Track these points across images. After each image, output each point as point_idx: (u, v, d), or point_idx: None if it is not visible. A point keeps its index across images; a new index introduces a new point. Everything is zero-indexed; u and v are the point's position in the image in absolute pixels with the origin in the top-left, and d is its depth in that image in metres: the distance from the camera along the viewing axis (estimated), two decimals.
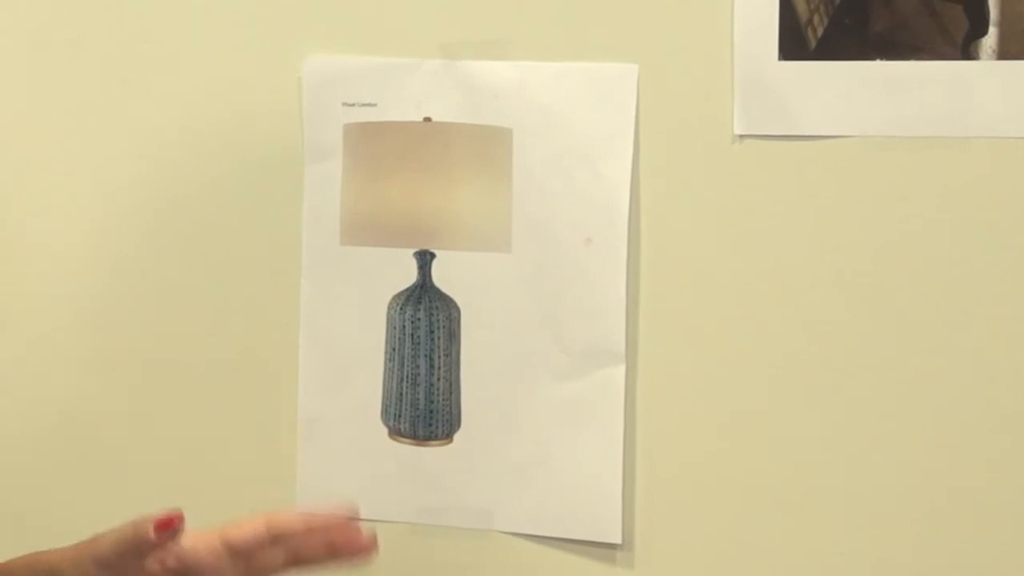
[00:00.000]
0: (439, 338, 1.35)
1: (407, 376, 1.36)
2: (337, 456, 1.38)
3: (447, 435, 1.35)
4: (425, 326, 1.35)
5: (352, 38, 1.35)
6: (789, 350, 1.28)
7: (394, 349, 1.36)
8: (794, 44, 1.25)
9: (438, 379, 1.35)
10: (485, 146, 1.32)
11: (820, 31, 1.25)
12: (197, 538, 1.13)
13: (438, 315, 1.34)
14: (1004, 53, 1.21)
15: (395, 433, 1.36)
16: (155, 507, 1.42)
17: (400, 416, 1.36)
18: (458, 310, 1.34)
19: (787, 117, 1.26)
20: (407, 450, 1.36)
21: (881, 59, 1.23)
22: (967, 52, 1.22)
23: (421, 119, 1.33)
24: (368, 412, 1.37)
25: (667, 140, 1.28)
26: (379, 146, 1.35)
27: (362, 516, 1.36)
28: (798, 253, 1.27)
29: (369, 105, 1.35)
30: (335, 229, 1.36)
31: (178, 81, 1.39)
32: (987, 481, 1.25)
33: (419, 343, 1.35)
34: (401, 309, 1.35)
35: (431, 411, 1.35)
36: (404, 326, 1.35)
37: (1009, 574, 1.25)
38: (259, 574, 1.13)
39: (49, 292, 1.44)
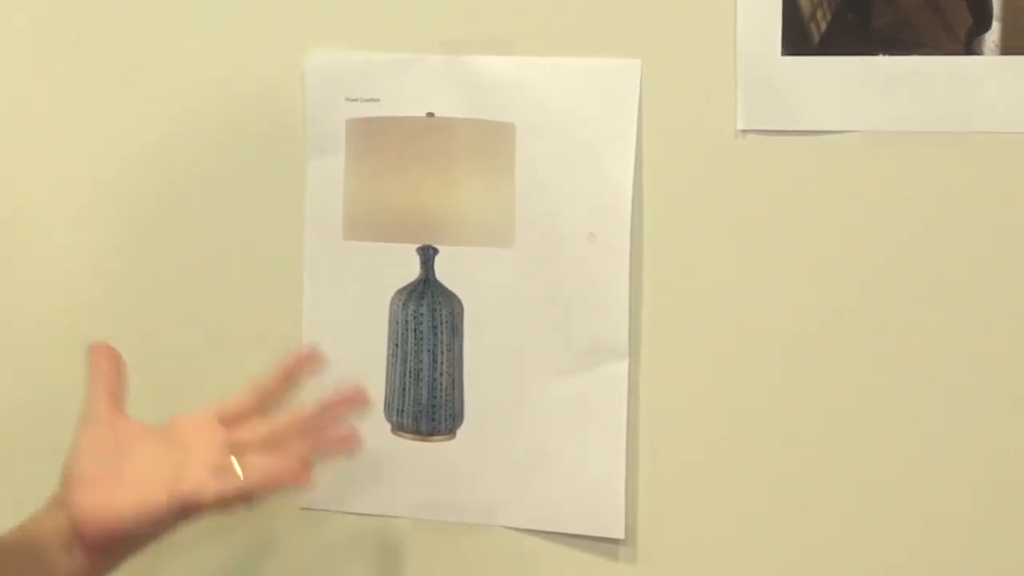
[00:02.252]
0: (442, 333, 1.35)
1: (410, 371, 1.36)
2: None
3: (450, 430, 1.35)
4: (428, 321, 1.35)
5: (355, 33, 1.35)
6: (792, 345, 1.28)
7: (397, 344, 1.36)
8: (797, 40, 1.25)
9: (441, 374, 1.35)
10: (488, 141, 1.32)
11: (823, 27, 1.25)
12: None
13: (441, 310, 1.34)
14: (1007, 48, 1.21)
15: (398, 428, 1.36)
16: None
17: (403, 411, 1.36)
18: (461, 305, 1.34)
19: (790, 112, 1.26)
20: (410, 445, 1.36)
21: (884, 55, 1.23)
22: (970, 48, 1.22)
23: (424, 114, 1.33)
24: (371, 407, 1.37)
25: (670, 135, 1.28)
26: (382, 141, 1.35)
27: (365, 512, 1.38)
28: (801, 248, 1.27)
29: (372, 100, 1.35)
30: (338, 224, 1.36)
31: (180, 76, 1.39)
32: (991, 481, 1.25)
33: (422, 338, 1.35)
34: (404, 304, 1.35)
35: (434, 406, 1.35)
36: (407, 321, 1.35)
37: (1010, 574, 1.26)
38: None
39: (49, 291, 1.44)
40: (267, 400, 1.17)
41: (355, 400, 1.17)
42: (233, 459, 1.12)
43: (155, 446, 1.14)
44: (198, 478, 1.10)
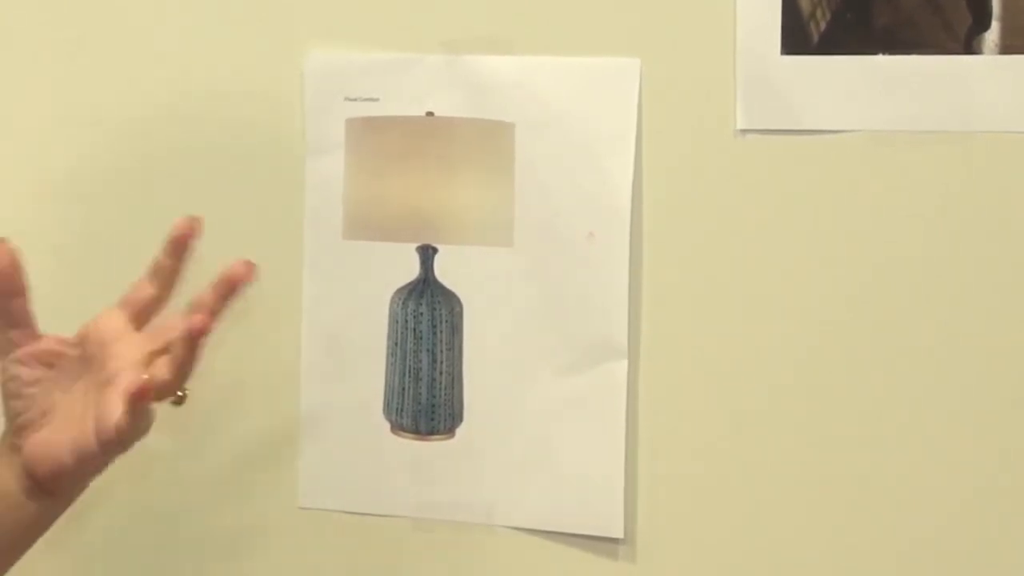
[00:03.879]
0: (441, 332, 1.35)
1: (409, 370, 1.36)
2: (339, 451, 1.38)
3: (449, 430, 1.35)
4: (427, 320, 1.35)
5: (354, 33, 1.35)
6: (791, 345, 1.28)
7: (396, 344, 1.36)
8: (797, 39, 1.25)
9: (440, 374, 1.35)
10: (487, 141, 1.32)
11: (823, 26, 1.25)
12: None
13: (440, 309, 1.34)
14: (1007, 48, 1.21)
15: (397, 428, 1.36)
16: (155, 504, 1.43)
17: (402, 411, 1.36)
18: (460, 304, 1.34)
19: (789, 112, 1.26)
20: (409, 445, 1.36)
21: (883, 54, 1.23)
22: (970, 47, 1.22)
23: (423, 114, 1.33)
24: (370, 407, 1.37)
25: (669, 135, 1.28)
26: (381, 141, 1.35)
27: (364, 511, 1.38)
28: (800, 247, 1.27)
29: (371, 100, 1.35)
30: (337, 224, 1.36)
31: (180, 76, 1.39)
32: (991, 481, 1.25)
33: (421, 337, 1.35)
34: (403, 303, 1.35)
35: (433, 406, 1.35)
36: (406, 320, 1.35)
37: (1010, 574, 1.26)
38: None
39: (49, 290, 1.44)
40: (168, 281, 1.15)
41: (245, 276, 1.15)
42: (148, 375, 1.09)
43: (77, 371, 1.11)
44: (114, 411, 1.07)
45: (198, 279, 1.41)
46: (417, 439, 1.36)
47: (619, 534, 1.32)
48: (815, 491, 1.28)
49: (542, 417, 1.33)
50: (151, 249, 1.41)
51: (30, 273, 1.43)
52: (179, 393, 1.12)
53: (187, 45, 1.39)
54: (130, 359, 1.09)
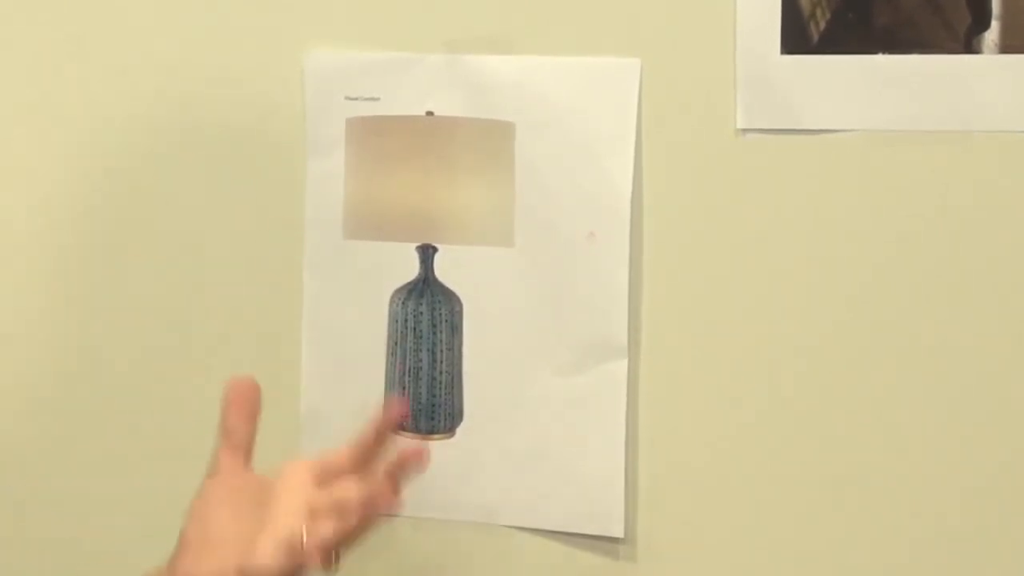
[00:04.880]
0: (441, 332, 1.35)
1: (409, 370, 1.36)
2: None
3: (449, 429, 1.35)
4: (427, 320, 1.35)
5: (355, 32, 1.35)
6: (791, 344, 1.28)
7: (396, 343, 1.36)
8: (797, 38, 1.25)
9: (440, 373, 1.35)
10: (488, 140, 1.32)
11: (823, 25, 1.25)
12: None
13: (440, 309, 1.34)
14: (1007, 47, 1.21)
15: (397, 427, 1.36)
16: (155, 503, 1.43)
17: None
18: (460, 304, 1.34)
19: (789, 111, 1.26)
20: (409, 444, 1.36)
21: (883, 53, 1.23)
22: (970, 46, 1.22)
23: (424, 113, 1.33)
24: (370, 406, 1.37)
25: (669, 134, 1.28)
26: (382, 140, 1.35)
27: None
28: (800, 247, 1.27)
29: (372, 99, 1.35)
30: (338, 223, 1.36)
31: (180, 75, 1.39)
32: (994, 481, 1.25)
33: (421, 337, 1.35)
34: (403, 303, 1.35)
35: (433, 405, 1.35)
36: (406, 320, 1.35)
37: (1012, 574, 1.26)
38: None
39: (49, 288, 1.44)
40: (364, 458, 1.15)
41: (418, 462, 1.16)
42: (304, 531, 1.10)
43: (253, 507, 1.13)
44: (264, 553, 1.09)
45: (197, 280, 1.41)
46: (417, 438, 1.36)
47: (619, 533, 1.32)
48: (815, 490, 1.28)
49: (542, 416, 1.33)
50: (151, 249, 1.42)
51: (33, 275, 1.45)
52: (333, 557, 1.12)
53: (187, 44, 1.39)
54: (293, 507, 1.10)
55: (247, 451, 1.16)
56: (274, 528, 1.10)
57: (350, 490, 1.11)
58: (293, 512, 1.11)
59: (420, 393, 1.35)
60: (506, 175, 1.32)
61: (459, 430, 1.35)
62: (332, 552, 1.11)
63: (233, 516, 1.13)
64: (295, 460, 1.14)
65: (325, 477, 1.13)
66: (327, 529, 1.10)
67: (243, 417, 1.16)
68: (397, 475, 1.13)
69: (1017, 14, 1.21)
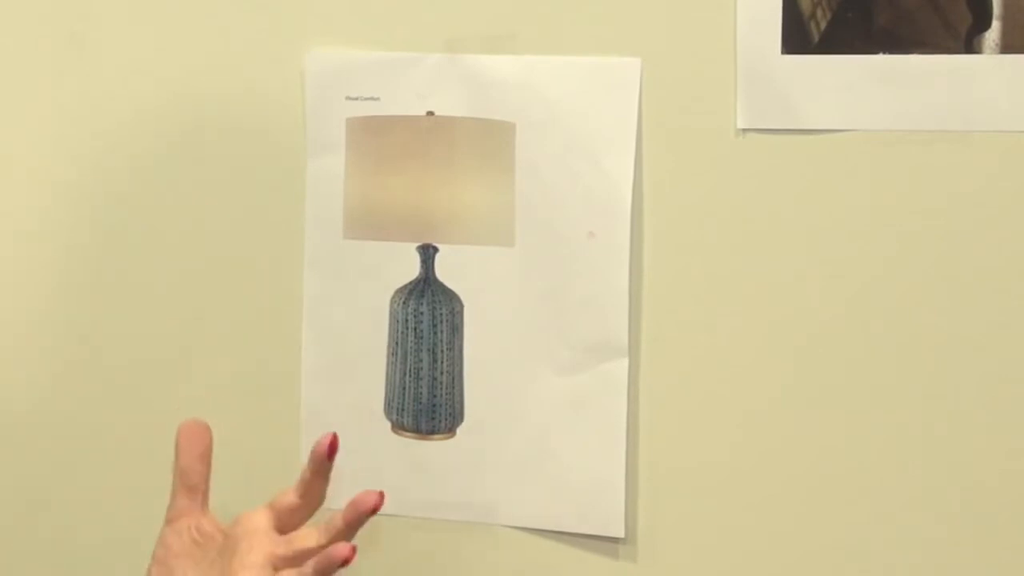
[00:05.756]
0: (442, 332, 1.35)
1: (410, 370, 1.36)
2: (339, 450, 1.38)
3: (450, 429, 1.35)
4: (428, 320, 1.35)
5: (355, 32, 1.35)
6: (791, 344, 1.28)
7: (397, 343, 1.36)
8: (797, 38, 1.25)
9: (441, 373, 1.35)
10: (488, 140, 1.32)
11: (823, 25, 1.25)
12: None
13: (441, 309, 1.34)
14: (1007, 47, 1.21)
15: (398, 427, 1.36)
16: (154, 502, 1.43)
17: (403, 410, 1.36)
18: (461, 304, 1.34)
19: (790, 111, 1.26)
20: (410, 444, 1.36)
21: (884, 53, 1.23)
22: (970, 46, 1.22)
23: (424, 113, 1.33)
24: (371, 406, 1.37)
25: (670, 134, 1.28)
26: (382, 140, 1.35)
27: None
28: (801, 247, 1.27)
29: (372, 99, 1.35)
30: (338, 223, 1.36)
31: (180, 75, 1.39)
32: (996, 481, 1.25)
33: (422, 337, 1.35)
34: (404, 303, 1.35)
35: (434, 405, 1.35)
36: (407, 320, 1.35)
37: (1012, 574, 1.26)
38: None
39: (49, 288, 1.44)
40: (311, 495, 1.16)
41: (374, 509, 1.16)
42: None
43: (215, 556, 1.14)
44: None
45: (197, 279, 1.41)
46: (418, 438, 1.36)
47: (620, 533, 1.32)
48: (816, 490, 1.28)
49: (543, 416, 1.33)
50: (151, 248, 1.42)
51: (36, 274, 1.44)
52: None
53: (187, 44, 1.39)
54: (255, 561, 1.11)
55: (204, 493, 1.17)
56: None
57: (310, 539, 1.12)
58: (257, 566, 1.11)
59: (420, 393, 1.35)
60: (506, 175, 1.32)
61: (459, 430, 1.35)
62: None
63: (196, 568, 1.14)
64: (251, 511, 1.15)
65: (283, 520, 1.14)
66: None
67: (195, 457, 1.17)
68: (352, 520, 1.13)
69: (1017, 14, 1.21)
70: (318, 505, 1.16)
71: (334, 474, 1.38)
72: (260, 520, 1.15)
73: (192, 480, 1.17)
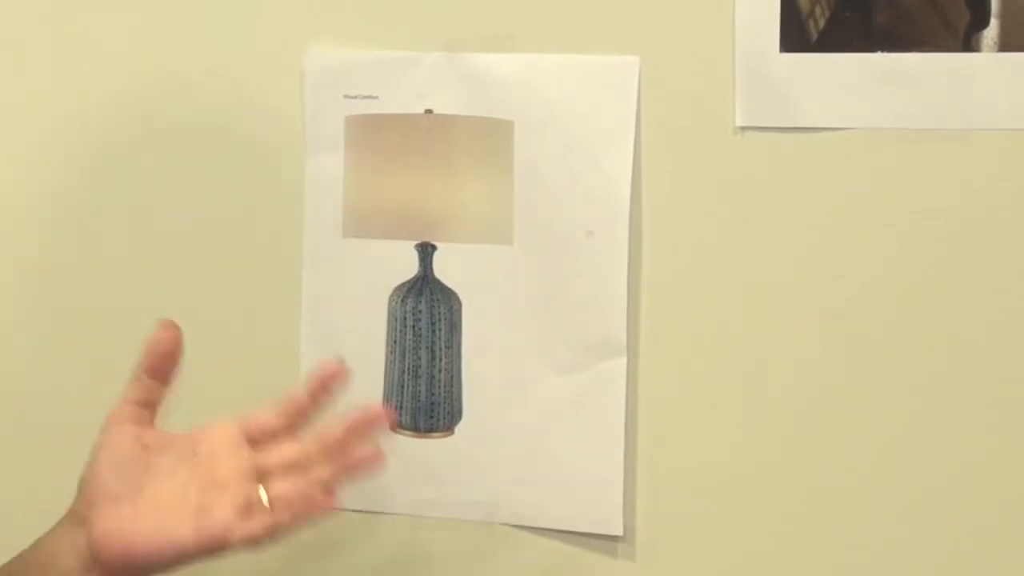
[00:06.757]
0: (440, 330, 1.35)
1: (408, 368, 1.36)
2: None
3: (448, 427, 1.36)
4: (426, 318, 1.35)
5: (354, 31, 1.35)
6: (790, 342, 1.28)
7: (395, 341, 1.36)
8: (796, 36, 1.25)
9: (439, 371, 1.35)
10: (487, 139, 1.32)
11: (822, 23, 1.25)
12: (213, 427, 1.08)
13: (439, 307, 1.34)
14: (1006, 45, 1.21)
15: (396, 425, 1.37)
16: None
17: (401, 408, 1.36)
18: (459, 302, 1.34)
19: (789, 109, 1.26)
20: (408, 442, 1.36)
21: (883, 51, 1.23)
22: (969, 44, 1.22)
23: (423, 112, 1.33)
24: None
25: (668, 132, 1.28)
26: (381, 139, 1.35)
27: (363, 509, 1.38)
28: (800, 245, 1.27)
29: (371, 98, 1.35)
30: (337, 221, 1.36)
31: (179, 74, 1.39)
32: (996, 481, 1.25)
33: (420, 335, 1.35)
34: (402, 301, 1.35)
35: (432, 403, 1.35)
36: (405, 318, 1.35)
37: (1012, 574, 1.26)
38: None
39: (46, 289, 1.45)
40: (295, 419, 1.10)
41: (380, 419, 1.11)
42: (262, 492, 1.05)
43: (179, 463, 1.07)
44: (225, 516, 1.03)
45: (196, 278, 1.41)
46: (416, 437, 1.36)
47: (618, 531, 1.32)
48: (815, 489, 1.28)
49: (541, 415, 1.33)
50: (150, 247, 1.42)
51: (34, 273, 1.45)
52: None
53: (186, 43, 1.39)
54: (238, 468, 1.05)
55: (155, 409, 1.09)
56: (226, 490, 1.03)
57: (297, 451, 1.05)
58: (241, 473, 1.04)
59: (419, 392, 1.35)
60: (505, 173, 1.32)
61: (458, 428, 1.35)
62: (294, 516, 1.05)
63: (164, 470, 1.06)
64: (214, 423, 1.08)
65: (258, 439, 1.07)
66: (287, 489, 1.04)
67: (165, 365, 1.09)
68: (355, 429, 1.06)
69: (1016, 12, 1.21)
70: (296, 433, 1.07)
71: None
72: (232, 432, 1.06)
73: (150, 392, 1.09)
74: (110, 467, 1.07)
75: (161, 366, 1.11)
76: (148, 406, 1.11)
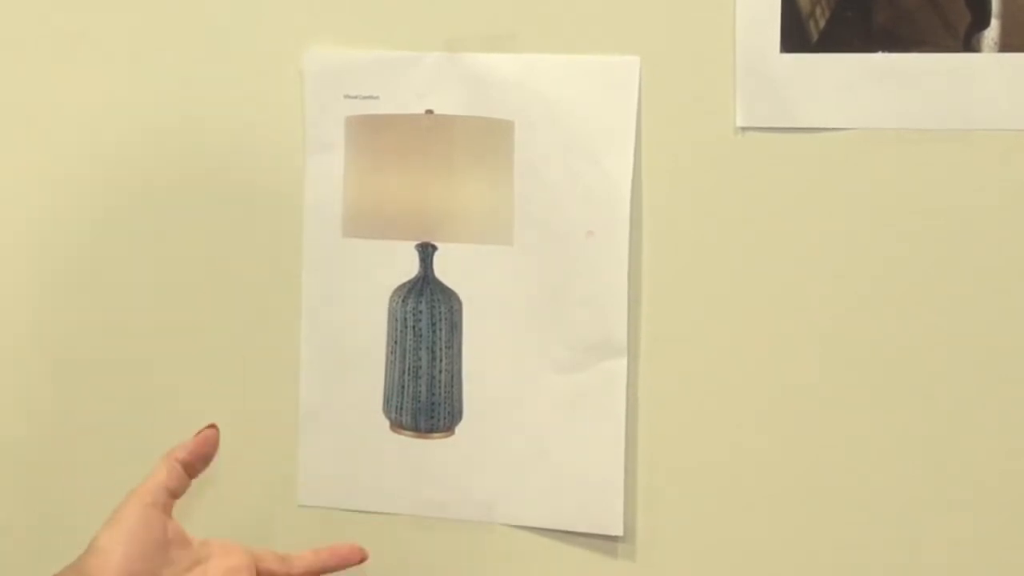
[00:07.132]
0: (441, 330, 1.35)
1: (409, 368, 1.36)
2: (338, 449, 1.38)
3: (449, 427, 1.35)
4: (427, 318, 1.35)
5: (354, 31, 1.35)
6: (790, 342, 1.28)
7: (396, 341, 1.36)
8: (796, 36, 1.25)
9: (440, 371, 1.35)
10: (487, 139, 1.32)
11: (822, 23, 1.25)
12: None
13: (440, 307, 1.34)
14: (1006, 45, 1.21)
15: (397, 426, 1.37)
16: None
17: (402, 408, 1.36)
18: (459, 302, 1.34)
19: (789, 110, 1.26)
20: (409, 443, 1.36)
21: (883, 52, 1.23)
22: (969, 45, 1.22)
23: (423, 112, 1.33)
24: (369, 405, 1.37)
25: (669, 133, 1.28)
26: (381, 139, 1.35)
27: (364, 509, 1.38)
28: (800, 245, 1.27)
29: (371, 98, 1.35)
30: (337, 222, 1.36)
31: (179, 74, 1.39)
32: (997, 480, 1.25)
33: (421, 335, 1.35)
34: (403, 301, 1.35)
35: (433, 403, 1.35)
36: (406, 318, 1.35)
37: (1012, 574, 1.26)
38: None
39: (46, 289, 1.44)
40: (305, 570, 1.18)
41: (356, 560, 1.19)
42: None
43: (190, 568, 1.12)
44: None
45: (196, 278, 1.41)
46: (417, 437, 1.36)
47: (619, 532, 1.32)
48: (815, 489, 1.28)
49: (542, 415, 1.33)
50: (149, 247, 1.42)
51: (34, 274, 1.44)
52: None
53: (186, 43, 1.39)
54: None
55: (175, 496, 1.15)
56: None
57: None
58: None
59: (420, 391, 1.35)
60: (505, 173, 1.32)
61: (458, 429, 1.35)
62: None
63: (173, 568, 1.11)
64: (233, 542, 1.14)
65: (260, 568, 1.14)
66: None
67: (199, 461, 1.15)
68: (331, 566, 1.16)
69: (1017, 13, 1.21)
70: None
71: (333, 473, 1.39)
72: (238, 558, 1.13)
73: (175, 481, 1.14)
74: (136, 547, 1.11)
75: (196, 464, 1.16)
76: (174, 495, 1.15)
